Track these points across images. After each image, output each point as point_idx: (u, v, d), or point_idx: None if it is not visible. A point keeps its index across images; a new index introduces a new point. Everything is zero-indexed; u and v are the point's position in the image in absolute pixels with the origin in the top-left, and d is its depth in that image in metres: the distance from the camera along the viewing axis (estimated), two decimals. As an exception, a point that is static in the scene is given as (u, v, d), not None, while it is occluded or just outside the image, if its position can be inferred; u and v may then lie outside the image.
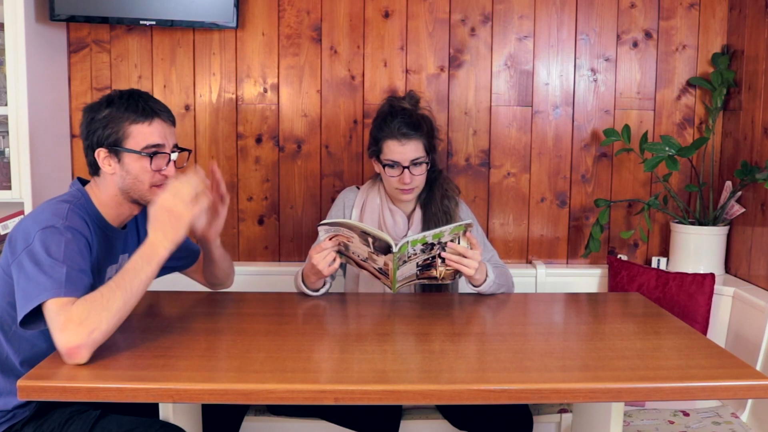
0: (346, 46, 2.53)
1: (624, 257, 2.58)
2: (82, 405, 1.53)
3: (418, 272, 1.76)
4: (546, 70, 2.56)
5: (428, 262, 1.73)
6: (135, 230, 1.73)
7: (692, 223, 2.47)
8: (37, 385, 1.27)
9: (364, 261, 1.75)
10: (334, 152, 2.58)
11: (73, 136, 2.53)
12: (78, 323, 1.32)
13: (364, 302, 1.92)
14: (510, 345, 1.50)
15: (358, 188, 2.13)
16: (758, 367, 2.01)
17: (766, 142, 2.25)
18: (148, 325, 1.63)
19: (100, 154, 1.55)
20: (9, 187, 2.21)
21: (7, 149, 2.23)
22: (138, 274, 1.40)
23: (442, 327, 1.64)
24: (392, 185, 1.97)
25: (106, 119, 1.54)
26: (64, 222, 1.45)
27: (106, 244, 1.59)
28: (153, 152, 1.55)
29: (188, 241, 1.91)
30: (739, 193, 2.39)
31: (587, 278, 2.55)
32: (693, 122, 2.58)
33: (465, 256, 1.72)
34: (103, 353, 1.36)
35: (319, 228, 1.74)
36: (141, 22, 2.36)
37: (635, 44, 2.55)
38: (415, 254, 1.70)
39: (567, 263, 2.64)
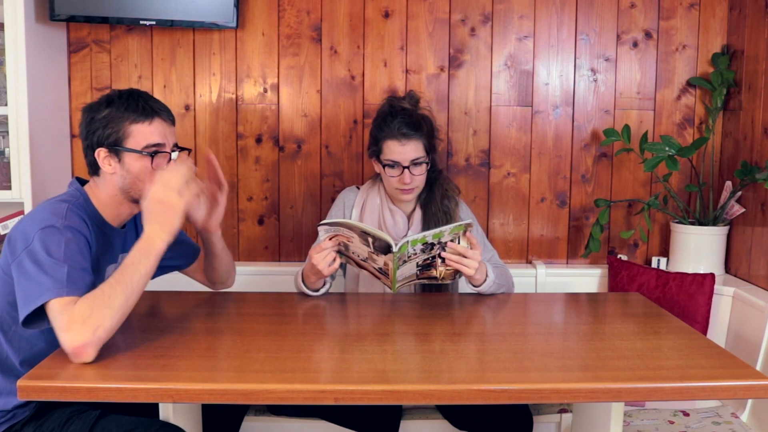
0: (346, 46, 2.53)
1: (624, 257, 2.58)
2: (82, 405, 1.53)
3: (418, 272, 1.76)
4: (546, 70, 2.56)
5: (428, 262, 1.73)
6: (134, 229, 1.72)
7: (692, 223, 2.47)
8: (37, 385, 1.27)
9: (364, 261, 1.75)
10: (334, 152, 2.58)
11: (73, 136, 2.53)
12: (81, 322, 1.32)
13: (364, 302, 1.92)
14: (510, 345, 1.50)
15: (358, 188, 2.13)
16: (758, 367, 2.01)
17: (766, 142, 2.25)
18: (148, 325, 1.63)
19: (100, 153, 1.55)
20: (9, 187, 2.21)
21: (7, 149, 2.23)
22: (137, 269, 1.40)
23: (442, 327, 1.64)
24: (392, 185, 1.97)
25: (106, 119, 1.54)
26: (64, 221, 1.45)
27: (105, 244, 1.59)
28: (154, 151, 1.55)
29: (188, 239, 1.91)
30: (739, 193, 2.39)
31: (587, 278, 2.55)
32: (693, 122, 2.58)
33: (465, 256, 1.72)
34: (103, 353, 1.35)
35: (319, 228, 1.74)
36: (141, 22, 2.36)
37: (635, 44, 2.55)
38: (415, 254, 1.69)
39: (567, 263, 2.64)
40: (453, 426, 1.97)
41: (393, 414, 2.01)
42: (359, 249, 1.72)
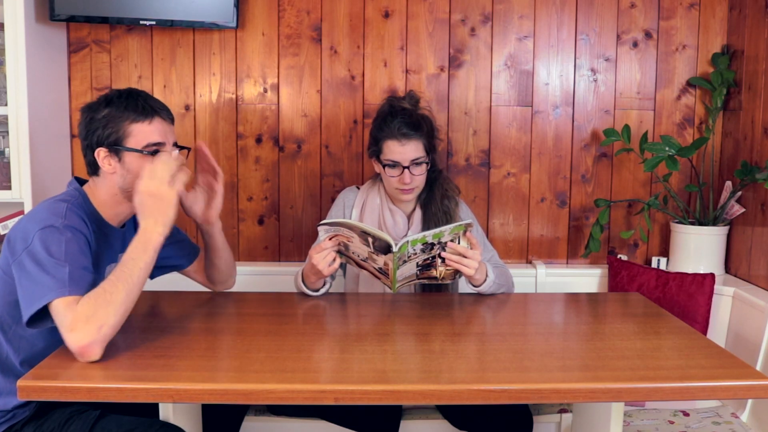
0: (346, 46, 2.53)
1: (624, 257, 2.58)
2: (82, 405, 1.53)
3: (418, 272, 1.76)
4: (546, 70, 2.56)
5: (428, 262, 1.73)
6: (133, 229, 1.72)
7: (692, 223, 2.47)
8: (37, 385, 1.27)
9: (364, 261, 1.75)
10: (334, 152, 2.58)
11: (73, 136, 2.53)
12: (86, 321, 1.32)
13: (364, 302, 1.92)
14: (510, 345, 1.50)
15: (358, 188, 2.13)
16: (758, 367, 2.01)
17: (766, 142, 2.25)
18: (148, 325, 1.63)
19: (100, 153, 1.55)
20: (9, 187, 2.21)
21: (7, 149, 2.23)
22: (137, 263, 1.40)
23: (442, 327, 1.64)
24: (392, 185, 1.97)
25: (106, 119, 1.54)
26: (63, 221, 1.45)
27: (104, 243, 1.59)
28: (154, 150, 1.55)
29: (188, 239, 1.91)
30: (739, 193, 2.39)
31: (587, 278, 2.55)
32: (693, 122, 2.58)
33: (465, 256, 1.72)
34: (103, 353, 1.35)
35: (319, 228, 1.74)
36: (141, 22, 2.36)
37: (635, 44, 2.55)
38: (415, 254, 1.69)
39: (567, 263, 2.64)
40: (453, 426, 1.97)
41: (393, 414, 2.01)
42: (359, 249, 1.72)
